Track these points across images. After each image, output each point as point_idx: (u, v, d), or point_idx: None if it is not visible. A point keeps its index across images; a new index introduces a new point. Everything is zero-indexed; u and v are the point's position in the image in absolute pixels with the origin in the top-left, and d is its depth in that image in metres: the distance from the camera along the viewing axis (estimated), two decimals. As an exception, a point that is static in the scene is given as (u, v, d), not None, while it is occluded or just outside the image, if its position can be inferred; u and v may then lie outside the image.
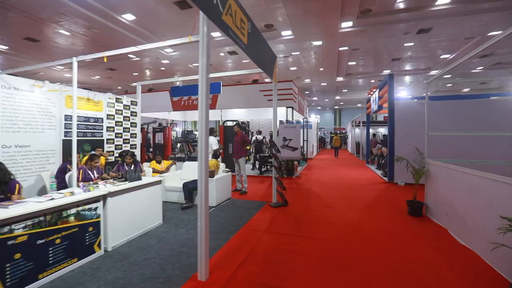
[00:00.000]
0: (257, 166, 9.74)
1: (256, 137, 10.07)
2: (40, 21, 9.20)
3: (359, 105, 29.12)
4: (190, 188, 5.10)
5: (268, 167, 9.76)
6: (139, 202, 3.79)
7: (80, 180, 3.99)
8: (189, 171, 5.96)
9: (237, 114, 12.88)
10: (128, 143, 6.69)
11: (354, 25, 9.27)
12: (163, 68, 14.70)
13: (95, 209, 3.08)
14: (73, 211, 2.82)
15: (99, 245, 3.10)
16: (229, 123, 10.13)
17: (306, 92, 22.22)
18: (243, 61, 13.45)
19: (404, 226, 4.12)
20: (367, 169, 10.95)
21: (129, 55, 12.62)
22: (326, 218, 4.51)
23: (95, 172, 4.24)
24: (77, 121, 5.41)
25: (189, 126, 20.53)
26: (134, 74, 15.85)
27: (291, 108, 8.54)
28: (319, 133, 30.52)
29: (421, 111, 7.27)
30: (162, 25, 9.68)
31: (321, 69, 14.84)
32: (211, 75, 6.54)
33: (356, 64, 14.36)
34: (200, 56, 2.64)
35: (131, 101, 6.78)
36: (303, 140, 13.27)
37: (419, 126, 7.23)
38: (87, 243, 2.96)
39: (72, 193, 3.01)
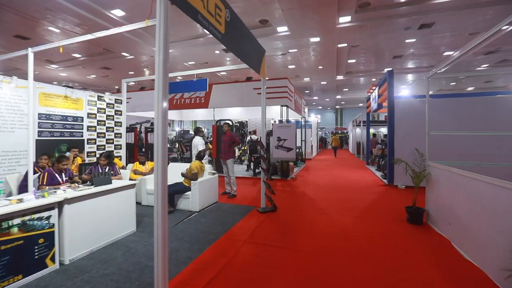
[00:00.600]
0: (252, 167, 9.36)
1: (251, 137, 9.68)
2: (28, 18, 8.90)
3: (360, 104, 28.57)
4: (171, 192, 4.72)
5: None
6: (108, 208, 3.42)
7: (44, 184, 3.63)
8: (175, 172, 5.58)
9: (233, 113, 12.51)
10: (112, 143, 6.34)
11: (352, 20, 8.84)
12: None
13: (48, 218, 2.72)
14: (17, 221, 2.45)
15: (52, 259, 2.74)
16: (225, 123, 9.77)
17: (306, 91, 21.78)
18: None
19: (401, 235, 3.70)
20: (367, 170, 10.51)
21: (122, 53, 12.31)
22: (316, 226, 4.10)
23: (63, 175, 3.88)
24: (54, 120, 5.09)
25: (187, 126, 20.24)
26: (130, 72, 15.54)
27: (286, 107, 8.14)
28: (320, 133, 30.07)
29: (423, 110, 6.82)
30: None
31: (320, 67, 14.40)
32: (200, 71, 6.18)
33: (356, 62, 13.90)
34: (157, 43, 2.25)
35: (115, 99, 6.43)
36: (301, 140, 12.86)
37: (421, 126, 6.77)
38: (36, 256, 2.59)
39: (20, 201, 2.64)
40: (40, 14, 8.58)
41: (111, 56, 12.72)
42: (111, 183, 3.62)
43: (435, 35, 10.08)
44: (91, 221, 3.19)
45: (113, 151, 5.79)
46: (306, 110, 16.93)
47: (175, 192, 4.77)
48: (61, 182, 3.80)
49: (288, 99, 8.16)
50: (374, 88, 9.34)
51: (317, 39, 10.37)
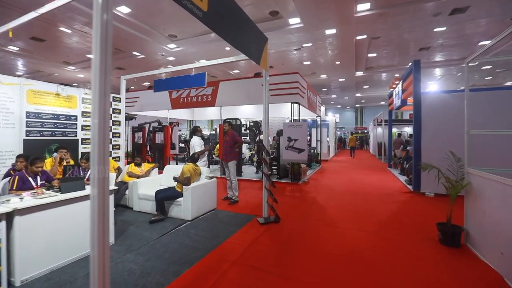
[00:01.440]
0: (262, 169, 8.73)
1: (259, 137, 9.04)
2: (39, 18, 8.90)
3: (382, 102, 26.90)
4: (160, 198, 4.21)
5: (273, 170, 8.70)
6: (75, 219, 2.95)
7: (14, 188, 3.24)
8: (172, 175, 5.09)
9: (245, 112, 11.91)
10: (110, 143, 5.98)
11: (372, 7, 7.91)
12: (170, 66, 14.15)
13: (-9, 233, 2.27)
14: None
15: (-3, 281, 2.29)
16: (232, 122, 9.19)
17: (323, 89, 20.75)
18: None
19: (433, 262, 2.90)
20: (389, 174, 9.47)
21: (133, 53, 12.19)
22: (324, 244, 3.39)
23: (38, 179, 3.48)
24: (44, 118, 4.77)
25: (203, 125, 19.96)
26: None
27: (297, 104, 7.41)
28: (339, 133, 28.73)
29: (456, 105, 5.85)
30: (160, 17, 8.98)
31: (338, 62, 13.43)
32: (197, 66, 5.65)
33: (378, 56, 12.79)
34: (94, 15, 1.66)
35: (113, 97, 6.07)
36: (316, 141, 12.01)
37: (453, 124, 5.81)
38: (-27, 280, 2.15)
39: (-44, 212, 2.21)
40: (48, 13, 8.51)
41: (122, 56, 12.65)
42: (83, 189, 3.15)
43: (469, 21, 8.85)
44: (53, 234, 2.72)
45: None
46: (323, 109, 15.99)
47: (166, 198, 4.25)
48: (35, 186, 3.40)
49: (299, 96, 7.42)
50: (397, 82, 8.33)
51: (333, 31, 9.51)
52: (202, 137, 6.08)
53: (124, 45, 11.31)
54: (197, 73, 5.22)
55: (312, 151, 10.91)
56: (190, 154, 4.68)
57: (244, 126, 9.67)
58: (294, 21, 8.87)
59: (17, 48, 11.75)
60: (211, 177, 4.82)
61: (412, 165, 6.49)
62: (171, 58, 12.85)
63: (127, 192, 4.93)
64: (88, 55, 12.54)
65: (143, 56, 12.55)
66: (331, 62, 13.54)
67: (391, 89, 9.51)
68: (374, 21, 8.79)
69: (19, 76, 16.37)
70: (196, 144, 5.14)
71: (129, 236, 3.60)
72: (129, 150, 10.62)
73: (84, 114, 5.46)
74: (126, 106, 10.60)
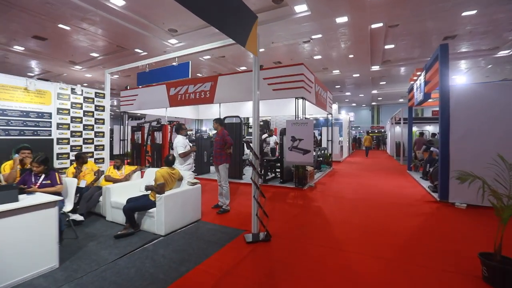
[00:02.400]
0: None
1: (261, 136, 8.24)
2: (36, 15, 8.61)
3: (401, 100, 25.23)
4: (128, 209, 3.53)
5: (276, 173, 7.88)
6: (4, 239, 2.32)
7: None
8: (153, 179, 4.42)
9: (248, 110, 11.14)
10: (92, 143, 5.42)
11: (390, -13, 6.92)
12: (174, 64, 13.61)
13: None
14: None
15: None
16: (226, 120, 8.42)
17: (336, 87, 19.61)
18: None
19: (478, 315, 1.99)
20: (408, 178, 8.37)
21: (135, 50, 11.76)
22: (322, 277, 2.55)
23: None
24: (10, 116, 4.24)
25: (205, 125, 19.47)
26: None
27: (302, 100, 6.54)
28: (354, 132, 27.32)
29: (496, 98, 4.79)
30: (157, 10, 8.41)
31: (351, 56, 12.36)
32: (181, 55, 4.97)
33: (396, 48, 11.60)
34: None
35: (96, 92, 5.51)
36: (327, 141, 11.03)
37: (492, 122, 4.78)
38: None
39: None
40: (44, 10, 8.17)
41: (125, 54, 12.28)
42: (16, 200, 2.51)
43: (504, 3, 7.60)
44: (-40, 262, 2.09)
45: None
46: (335, 106, 14.94)
47: (135, 208, 3.57)
48: None
49: (304, 90, 6.55)
50: (419, 74, 7.23)
51: (344, 19, 8.54)
52: (188, 136, 5.39)
53: (125, 42, 10.89)
54: (181, 62, 4.52)
55: (322, 152, 9.97)
56: (167, 157, 3.98)
57: (247, 124, 8.88)
58: (301, 9, 8.00)
59: (23, 48, 11.66)
60: (194, 183, 4.08)
61: (438, 169, 5.45)
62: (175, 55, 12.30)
63: (101, 199, 4.31)
64: (92, 53, 12.28)
65: (145, 53, 12.10)
66: (344, 56, 12.50)
67: (412, 82, 8.40)
68: (392, 6, 7.74)
69: (30, 77, 16.59)
70: (179, 145, 4.42)
71: (83, 256, 2.94)
72: (128, 151, 10.17)
73: (60, 111, 4.91)
74: (125, 105, 10.20)
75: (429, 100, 7.49)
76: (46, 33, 10.09)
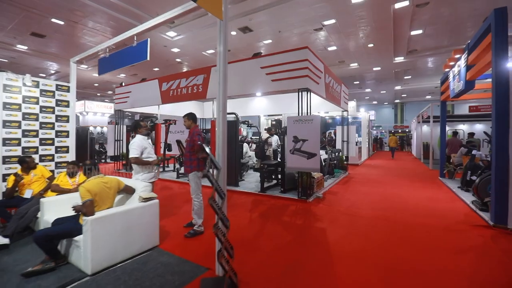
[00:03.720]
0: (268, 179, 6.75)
1: (261, 136, 7.06)
2: (25, 9, 8.09)
3: (428, 96, 22.87)
4: (44, 236, 2.53)
5: (277, 180, 6.67)
6: None
7: None
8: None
9: (259, 107, 10.02)
10: (52, 144, 4.56)
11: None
12: (178, 60, 12.85)
13: None
14: None
15: None
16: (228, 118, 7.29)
17: (355, 82, 17.90)
18: (264, 41, 10.54)
19: None
20: (442, 187, 6.79)
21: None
22: None
23: None
24: None
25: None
26: (154, 69, 14.50)
27: (307, 92, 5.29)
28: (375, 132, 25.25)
29: None
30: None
31: (371, 45, 10.81)
32: (140, 30, 3.96)
33: (424, 34, 9.91)
34: None
35: (57, 85, 4.65)
36: (342, 141, 9.61)
37: None
38: None
39: None
40: (33, 2, 7.59)
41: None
42: None
43: None
44: None
45: (29, 156, 3.94)
46: (352, 104, 13.40)
47: (54, 235, 2.56)
48: None
49: (310, 80, 5.30)
50: (457, 57, 5.70)
51: (361, -4, 7.16)
52: (150, 136, 4.37)
53: (116, 33, 10.16)
54: (139, 41, 3.50)
55: (335, 154, 8.59)
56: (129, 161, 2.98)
57: (247, 123, 7.75)
58: (308, -14, 6.75)
59: (26, 47, 11.39)
60: (147, 199, 3.01)
61: (490, 180, 3.99)
62: (175, 50, 11.49)
63: (40, 214, 3.38)
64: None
65: (146, 48, 11.35)
66: (362, 46, 10.97)
67: (447, 70, 6.81)
68: (422, -25, 6.26)
69: (42, 77, 16.64)
70: (133, 147, 3.33)
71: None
72: (124, 152, 9.42)
73: (7, 106, 4.08)
74: (119, 103, 9.48)
75: (487, 89, 5.93)
76: (42, 29, 9.62)
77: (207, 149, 2.52)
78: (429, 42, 10.76)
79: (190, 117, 3.82)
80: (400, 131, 24.57)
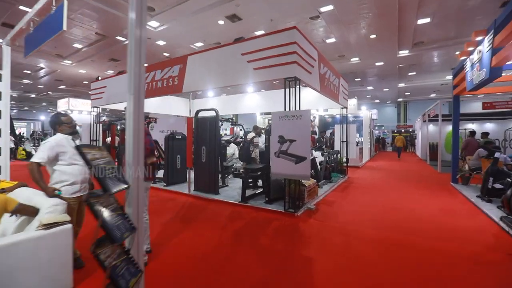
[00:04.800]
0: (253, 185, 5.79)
1: (246, 136, 6.10)
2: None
3: (433, 95, 21.77)
4: None
5: (260, 187, 5.69)
6: None
7: None
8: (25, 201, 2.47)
9: (252, 104, 9.08)
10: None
11: None
12: (166, 54, 11.93)
13: None
14: None
15: None
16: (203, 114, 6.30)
17: (356, 79, 16.86)
18: (256, 32, 9.57)
19: None
20: (457, 195, 5.79)
21: (117, 38, 10.14)
22: None
23: None
24: None
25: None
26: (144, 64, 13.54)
27: (294, 81, 4.30)
28: (376, 131, 24.19)
29: None
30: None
31: (374, 36, 9.80)
32: None
33: (432, 23, 8.88)
34: None
35: (-17, 72, 3.73)
36: (341, 142, 8.62)
37: None
38: None
39: None
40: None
41: (109, 43, 10.71)
42: None
43: None
44: None
45: None
46: (354, 101, 12.40)
47: None
48: None
49: (299, 67, 4.33)
50: (479, 39, 4.68)
51: (363, -25, 6.17)
52: (77, 136, 3.44)
53: (102, 27, 9.27)
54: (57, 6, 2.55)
55: (333, 156, 7.61)
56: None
57: (231, 121, 6.79)
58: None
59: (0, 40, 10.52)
60: (49, 225, 2.06)
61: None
62: (161, 43, 10.57)
63: None
64: (74, 44, 10.89)
65: (128, 41, 10.43)
66: (364, 37, 9.96)
67: (462, 59, 5.79)
68: None
69: (27, 75, 15.81)
70: (42, 148, 2.40)
71: None
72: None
73: None
74: (95, 99, 8.57)
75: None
76: (12, 19, 8.72)
77: (86, 152, 1.56)
78: (436, 33, 9.72)
79: (147, 118, 2.88)
80: (403, 131, 23.49)
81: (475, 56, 4.96)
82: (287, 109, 4.36)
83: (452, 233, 3.56)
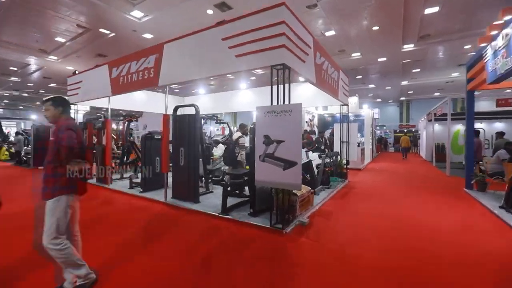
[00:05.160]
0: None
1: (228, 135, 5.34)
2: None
3: (436, 93, 20.92)
4: None
5: (246, 195, 4.91)
6: None
7: None
8: None
9: (247, 102, 8.33)
10: None
11: None
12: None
13: None
14: None
15: None
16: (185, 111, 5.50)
17: (357, 77, 16.05)
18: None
19: None
20: (475, 205, 4.98)
21: (100, 30, 9.38)
22: None
23: None
24: None
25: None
26: (133, 61, 12.79)
27: (282, 69, 3.52)
28: (378, 131, 23.35)
29: None
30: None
31: (376, 28, 9.00)
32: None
33: (440, 13, 8.07)
34: None
35: None
36: (341, 142, 7.82)
37: None
38: None
39: None
40: None
41: (93, 36, 9.96)
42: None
43: None
44: None
45: None
46: (355, 99, 11.61)
47: None
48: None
49: (288, 52, 3.54)
50: (508, 19, 3.87)
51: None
52: None
53: (82, 18, 8.52)
54: None
55: (332, 158, 6.83)
56: None
57: (216, 119, 6.02)
58: None
59: None
60: None
61: None
62: (148, 36, 9.81)
63: None
64: (56, 38, 10.15)
65: (113, 34, 9.70)
66: (366, 29, 9.16)
67: (482, 46, 4.97)
68: None
69: (14, 72, 15.08)
70: None
71: None
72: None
73: None
74: (71, 95, 7.82)
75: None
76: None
77: None
78: (445, 24, 8.91)
79: (57, 103, 2.14)
80: (406, 130, 22.62)
81: (499, 42, 4.15)
82: (275, 103, 3.58)
83: (482, 258, 2.78)
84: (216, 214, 4.12)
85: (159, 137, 5.82)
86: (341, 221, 4.05)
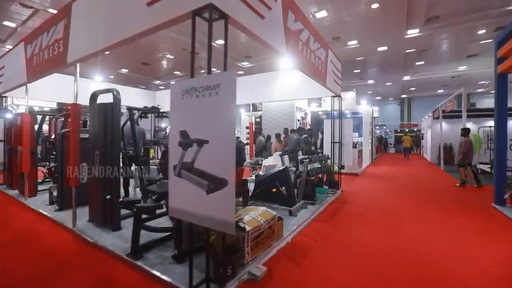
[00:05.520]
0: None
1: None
2: None
3: (440, 90, 19.42)
4: None
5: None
6: None
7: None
8: None
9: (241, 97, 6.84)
10: None
11: None
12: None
13: None
14: None
15: None
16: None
17: (355, 71, 14.53)
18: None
19: None
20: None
21: (49, 10, 7.89)
22: None
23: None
24: None
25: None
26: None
27: (211, 18, 2.03)
28: (378, 131, 21.81)
29: None
30: None
31: (376, 5, 7.47)
32: None
33: (455, -15, 6.57)
34: None
35: None
36: (332, 143, 6.29)
37: None
38: None
39: None
40: None
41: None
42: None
43: None
44: None
45: None
46: (353, 94, 10.17)
47: None
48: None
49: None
50: None
51: None
52: None
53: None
54: None
55: (320, 163, 5.30)
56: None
57: (158, 111, 4.50)
58: None
59: None
60: None
61: None
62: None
63: None
64: (5, 22, 8.67)
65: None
66: (364, 9, 7.66)
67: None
68: None
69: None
70: None
71: None
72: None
73: None
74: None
75: None
76: None
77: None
78: (457, 3, 7.40)
79: None
80: (407, 130, 21.08)
81: None
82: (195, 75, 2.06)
83: None
84: (124, 256, 2.60)
85: (86, 136, 4.29)
86: (321, 266, 2.53)
